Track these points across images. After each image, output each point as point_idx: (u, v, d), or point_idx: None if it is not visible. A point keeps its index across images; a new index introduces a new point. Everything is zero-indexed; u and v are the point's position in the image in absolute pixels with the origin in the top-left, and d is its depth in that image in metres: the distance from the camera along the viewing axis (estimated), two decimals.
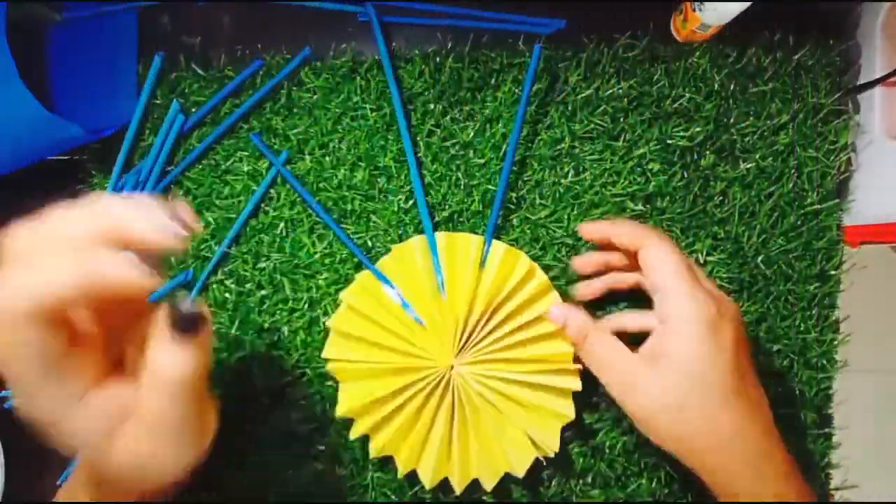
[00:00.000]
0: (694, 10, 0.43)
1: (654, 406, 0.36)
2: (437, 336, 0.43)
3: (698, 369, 0.36)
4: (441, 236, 0.44)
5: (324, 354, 0.45)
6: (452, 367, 0.43)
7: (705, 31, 0.44)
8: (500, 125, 0.47)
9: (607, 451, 0.47)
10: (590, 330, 0.39)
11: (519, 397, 0.43)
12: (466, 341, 0.42)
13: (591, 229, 0.41)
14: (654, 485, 0.47)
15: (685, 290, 0.36)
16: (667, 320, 0.37)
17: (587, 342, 0.39)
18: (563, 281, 0.47)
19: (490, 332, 0.43)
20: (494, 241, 0.44)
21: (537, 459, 0.43)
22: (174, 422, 0.29)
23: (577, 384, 0.43)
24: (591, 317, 0.40)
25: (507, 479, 0.46)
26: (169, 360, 0.28)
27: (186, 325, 0.27)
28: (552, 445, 0.43)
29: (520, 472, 0.43)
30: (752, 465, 0.36)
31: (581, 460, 0.47)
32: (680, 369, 0.36)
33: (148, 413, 0.29)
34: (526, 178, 0.47)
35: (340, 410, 0.44)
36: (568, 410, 0.43)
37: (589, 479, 0.47)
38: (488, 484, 0.43)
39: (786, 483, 0.36)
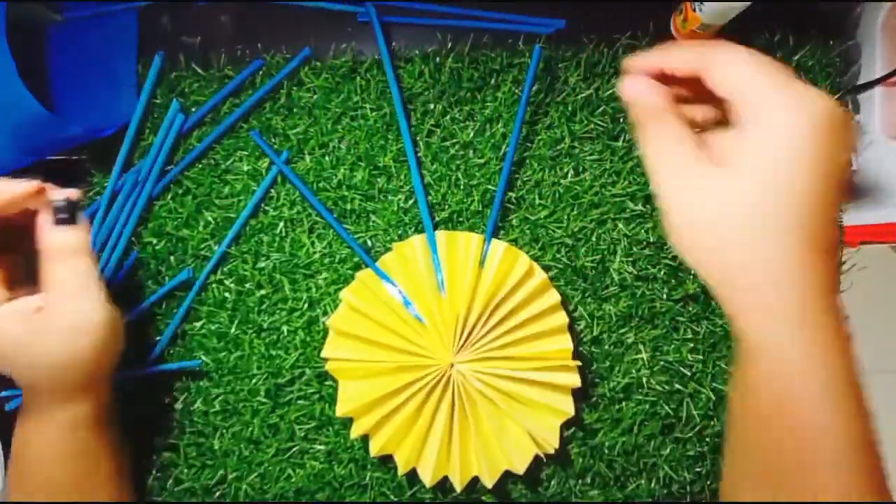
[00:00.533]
0: (694, 10, 0.43)
1: (703, 218, 0.27)
2: (437, 334, 0.43)
3: (784, 178, 0.26)
4: (441, 235, 0.44)
5: (323, 354, 0.45)
6: (452, 365, 0.43)
7: (705, 30, 0.44)
8: (499, 125, 0.47)
9: (606, 451, 0.47)
10: (661, 112, 0.29)
11: (518, 394, 0.43)
12: (466, 339, 0.43)
13: (640, 65, 0.31)
14: (653, 485, 0.47)
15: (778, 81, 0.26)
16: (756, 122, 0.27)
17: (653, 125, 0.29)
18: (563, 281, 0.47)
19: (490, 330, 0.43)
20: (494, 240, 0.44)
21: (537, 458, 0.44)
22: (79, 284, 0.36)
23: (576, 381, 0.43)
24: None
25: (507, 478, 0.46)
26: (57, 236, 0.36)
27: (64, 213, 0.36)
28: (552, 442, 0.43)
29: (520, 470, 0.43)
30: (796, 322, 0.27)
31: (580, 460, 0.47)
32: (756, 175, 0.26)
33: (53, 284, 0.36)
34: (525, 179, 0.47)
35: (340, 410, 0.44)
36: (567, 407, 0.43)
37: (588, 479, 0.47)
38: (488, 481, 0.43)
39: (835, 352, 0.27)
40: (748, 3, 0.41)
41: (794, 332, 0.27)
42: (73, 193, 0.37)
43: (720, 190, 0.27)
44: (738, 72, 0.27)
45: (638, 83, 0.30)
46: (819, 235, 0.26)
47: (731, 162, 0.27)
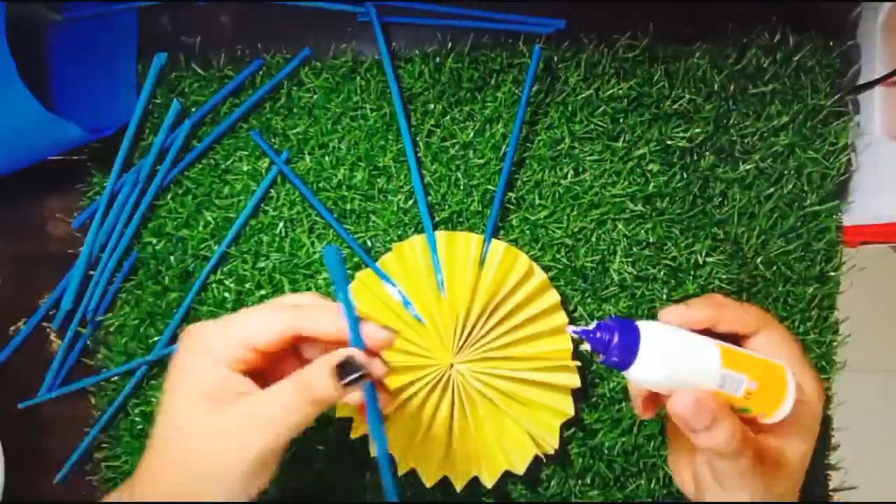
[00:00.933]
0: None
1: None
2: (437, 334, 0.43)
3: (803, 467, 0.35)
4: (441, 235, 0.44)
5: None
6: (452, 366, 0.43)
7: None
8: (499, 125, 0.47)
9: (606, 451, 0.47)
10: (741, 436, 0.31)
11: (518, 395, 0.43)
12: (466, 339, 0.43)
13: (688, 317, 0.34)
14: (653, 485, 0.47)
15: (812, 376, 0.35)
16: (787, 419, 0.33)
17: (743, 454, 0.32)
18: (562, 281, 0.47)
19: (490, 331, 0.43)
20: (494, 240, 0.44)
21: (537, 458, 0.44)
22: (279, 421, 0.30)
23: (575, 381, 0.43)
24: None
25: (507, 478, 0.46)
26: (318, 377, 0.30)
27: (345, 375, 0.30)
28: (552, 442, 0.43)
29: (520, 470, 0.43)
30: None
31: (580, 460, 0.47)
32: (792, 475, 0.34)
33: (269, 400, 0.30)
34: (525, 179, 0.47)
35: (340, 410, 0.44)
36: (567, 407, 0.43)
37: (588, 480, 0.47)
38: (488, 481, 0.43)
39: None
40: None
41: None
42: (354, 353, 0.31)
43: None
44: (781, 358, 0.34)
45: (688, 397, 0.31)
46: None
47: (776, 468, 0.34)
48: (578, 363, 0.43)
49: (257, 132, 0.47)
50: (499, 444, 0.43)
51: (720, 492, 0.33)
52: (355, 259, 0.47)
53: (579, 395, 0.47)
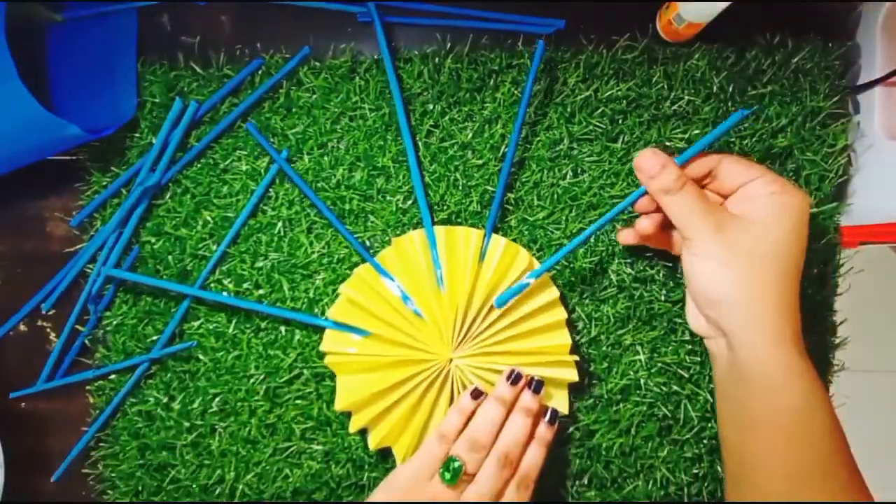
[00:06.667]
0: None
1: (729, 258, 0.36)
2: (436, 329, 0.43)
3: (784, 249, 0.36)
4: (441, 230, 0.44)
5: (322, 347, 0.45)
6: (451, 360, 0.43)
7: (681, 23, 0.43)
8: (498, 126, 0.47)
9: (604, 452, 0.47)
10: (687, 179, 0.37)
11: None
12: (465, 334, 0.43)
13: (696, 161, 0.38)
14: (650, 487, 0.47)
15: (784, 182, 0.36)
16: (773, 194, 0.36)
17: (684, 189, 0.36)
18: (561, 282, 0.47)
19: (489, 326, 0.43)
20: (494, 236, 0.44)
21: None
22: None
23: (573, 375, 0.43)
24: None
25: None
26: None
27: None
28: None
29: None
30: (774, 339, 0.36)
31: (577, 461, 0.47)
32: (767, 233, 0.35)
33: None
34: (524, 180, 0.47)
35: (339, 405, 0.44)
36: (563, 401, 0.44)
37: (585, 481, 0.47)
38: None
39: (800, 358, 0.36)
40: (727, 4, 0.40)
41: (776, 352, 0.36)
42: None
43: (739, 236, 0.36)
44: (742, 172, 0.37)
45: (657, 157, 0.37)
46: (789, 299, 0.36)
47: (748, 218, 0.36)
48: (577, 358, 0.44)
49: (253, 124, 0.47)
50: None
51: (687, 244, 0.37)
52: (353, 259, 0.47)
53: (577, 396, 0.47)
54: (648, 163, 0.37)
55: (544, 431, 0.42)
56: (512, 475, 0.40)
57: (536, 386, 0.42)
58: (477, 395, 0.42)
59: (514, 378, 0.42)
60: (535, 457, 0.41)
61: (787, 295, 0.36)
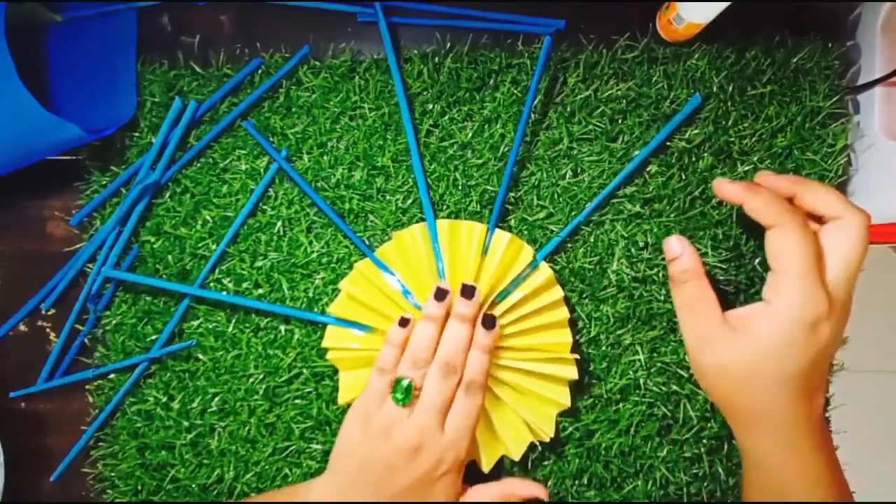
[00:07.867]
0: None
1: (717, 370, 0.37)
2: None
3: (774, 364, 0.35)
4: (443, 223, 0.45)
5: (324, 343, 0.45)
6: None
7: (680, 23, 0.43)
8: (498, 126, 0.47)
9: (603, 452, 0.47)
10: (696, 273, 0.38)
11: (517, 384, 0.43)
12: None
13: (726, 190, 0.38)
14: (649, 486, 0.47)
15: (800, 287, 0.35)
16: (770, 304, 0.36)
17: (688, 284, 0.38)
18: (560, 282, 0.47)
19: None
20: (498, 230, 0.44)
21: (535, 457, 0.44)
22: None
23: (573, 373, 0.43)
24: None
25: (505, 476, 0.46)
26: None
27: None
28: (547, 431, 0.44)
29: (516, 456, 0.44)
30: (785, 445, 0.37)
31: (577, 461, 0.47)
32: (758, 355, 0.36)
33: None
34: (524, 179, 0.47)
35: (342, 399, 0.44)
36: (564, 398, 0.44)
37: (584, 480, 0.47)
38: (485, 465, 0.44)
39: (815, 465, 0.37)
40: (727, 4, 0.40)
41: (781, 445, 0.37)
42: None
43: (731, 353, 0.36)
44: (785, 257, 0.36)
45: (681, 244, 0.38)
46: (803, 387, 0.36)
47: (745, 337, 0.36)
48: (577, 356, 0.44)
49: (251, 123, 0.47)
50: (497, 431, 0.44)
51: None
52: (353, 259, 0.47)
53: (577, 396, 0.47)
54: (667, 247, 0.39)
55: (481, 337, 0.41)
56: (458, 383, 0.40)
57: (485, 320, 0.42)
58: (404, 322, 0.41)
59: (439, 294, 0.41)
60: (477, 360, 0.41)
61: (787, 392, 0.36)
